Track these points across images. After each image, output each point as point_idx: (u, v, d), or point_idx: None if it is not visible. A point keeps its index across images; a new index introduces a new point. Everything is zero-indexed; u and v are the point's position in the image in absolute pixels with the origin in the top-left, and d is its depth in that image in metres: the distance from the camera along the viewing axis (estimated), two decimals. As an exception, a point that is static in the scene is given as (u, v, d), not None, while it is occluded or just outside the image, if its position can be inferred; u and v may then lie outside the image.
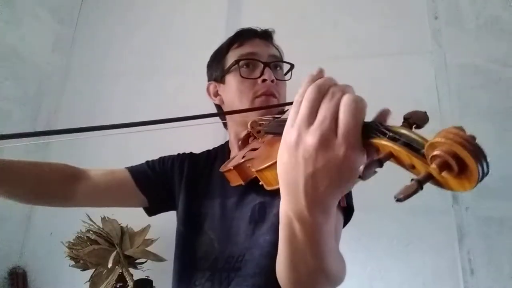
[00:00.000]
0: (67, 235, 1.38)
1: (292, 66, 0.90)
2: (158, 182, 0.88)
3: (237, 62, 0.82)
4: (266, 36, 0.88)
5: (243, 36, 0.86)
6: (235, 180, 0.73)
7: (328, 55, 1.59)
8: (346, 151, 0.34)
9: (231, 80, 0.84)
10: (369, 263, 1.33)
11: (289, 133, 0.37)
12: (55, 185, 0.79)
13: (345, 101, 0.35)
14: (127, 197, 0.86)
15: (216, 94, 0.89)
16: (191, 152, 0.95)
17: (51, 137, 0.51)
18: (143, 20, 1.98)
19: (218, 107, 0.92)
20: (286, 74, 0.90)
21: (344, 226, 0.69)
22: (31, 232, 1.73)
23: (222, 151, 0.93)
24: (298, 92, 0.39)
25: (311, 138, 0.35)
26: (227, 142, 0.94)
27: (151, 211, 0.90)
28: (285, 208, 0.41)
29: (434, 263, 1.28)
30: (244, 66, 0.82)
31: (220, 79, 0.87)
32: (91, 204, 0.88)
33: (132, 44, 1.95)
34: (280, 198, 0.69)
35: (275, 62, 0.85)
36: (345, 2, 1.71)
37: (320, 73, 0.41)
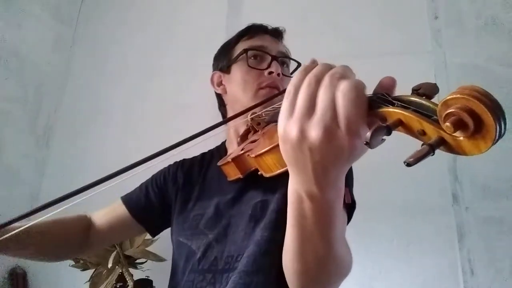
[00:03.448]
0: (67, 235, 1.38)
1: (299, 64, 0.90)
2: (154, 206, 0.87)
3: (245, 51, 0.82)
4: (276, 33, 0.89)
5: (254, 30, 0.87)
6: (233, 174, 0.72)
7: (328, 55, 1.58)
8: (350, 141, 0.33)
9: (237, 69, 0.84)
10: (369, 263, 1.32)
11: (289, 126, 0.36)
12: (74, 241, 0.85)
13: (343, 89, 0.33)
14: (128, 229, 0.89)
15: (220, 84, 0.89)
16: (183, 159, 0.93)
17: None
18: (143, 20, 1.98)
19: (220, 97, 0.92)
20: (291, 73, 0.90)
21: (347, 223, 0.67)
22: (31, 232, 1.73)
23: (218, 152, 0.91)
24: (290, 82, 0.37)
25: (315, 131, 0.34)
26: (223, 143, 0.93)
27: (153, 233, 0.92)
28: (294, 186, 0.40)
29: (434, 263, 1.28)
30: (252, 57, 0.83)
31: (226, 69, 0.87)
32: (100, 246, 0.95)
33: (132, 44, 1.94)
34: (279, 193, 0.68)
35: (283, 58, 0.86)
36: (345, 2, 1.71)
37: (314, 63, 0.39)
